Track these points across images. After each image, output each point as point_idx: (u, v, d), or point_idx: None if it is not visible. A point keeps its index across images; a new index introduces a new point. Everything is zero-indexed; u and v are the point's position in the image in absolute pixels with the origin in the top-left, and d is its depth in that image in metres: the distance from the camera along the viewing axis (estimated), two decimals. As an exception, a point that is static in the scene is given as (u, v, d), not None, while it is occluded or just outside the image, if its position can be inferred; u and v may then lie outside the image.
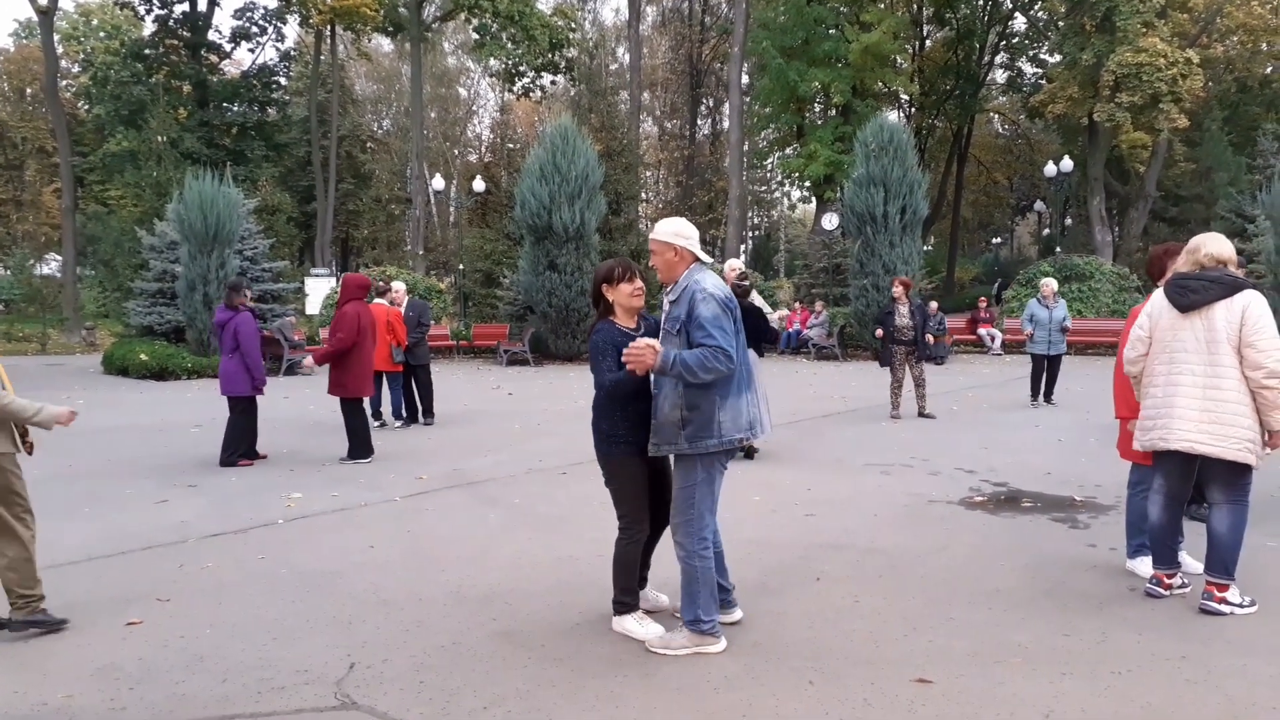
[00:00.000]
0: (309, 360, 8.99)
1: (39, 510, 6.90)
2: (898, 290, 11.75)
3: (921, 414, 11.65)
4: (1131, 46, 27.75)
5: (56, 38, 37.32)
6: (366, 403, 10.35)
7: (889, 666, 3.85)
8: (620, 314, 4.21)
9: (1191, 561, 4.94)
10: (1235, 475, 4.41)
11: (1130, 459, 5.08)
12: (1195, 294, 4.44)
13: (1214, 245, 4.50)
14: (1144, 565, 4.97)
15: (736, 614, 4.34)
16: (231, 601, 4.77)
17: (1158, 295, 4.69)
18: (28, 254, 31.76)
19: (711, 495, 4.02)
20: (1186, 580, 4.72)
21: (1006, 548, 5.67)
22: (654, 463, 4.19)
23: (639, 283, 4.16)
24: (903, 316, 11.58)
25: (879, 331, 11.75)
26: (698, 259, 4.02)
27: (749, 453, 8.75)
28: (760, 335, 8.22)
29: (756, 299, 9.00)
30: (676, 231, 4.04)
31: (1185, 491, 4.68)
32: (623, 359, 3.85)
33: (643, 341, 3.83)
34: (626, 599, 4.28)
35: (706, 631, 4.03)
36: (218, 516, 6.70)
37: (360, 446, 9.02)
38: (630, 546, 4.22)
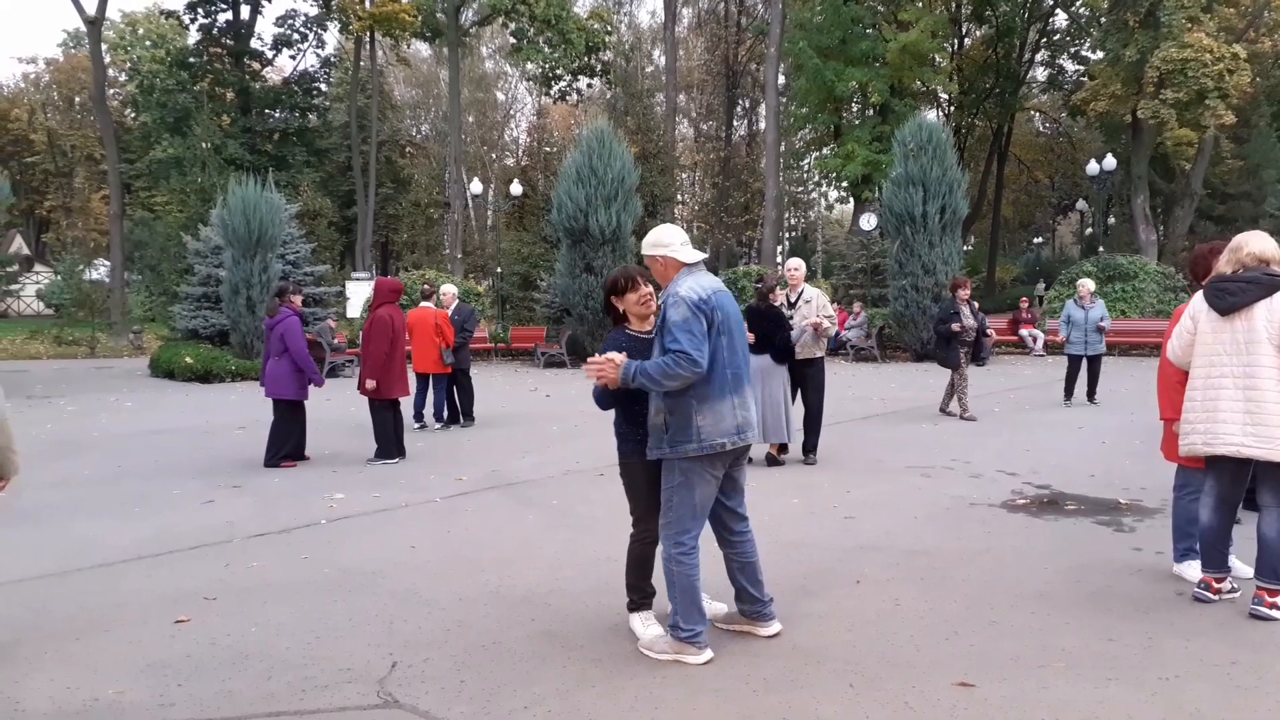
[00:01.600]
0: (370, 384, 9.04)
1: (91, 509, 7.08)
2: (965, 292, 11.80)
3: (943, 411, 11.84)
4: (1176, 42, 27.24)
5: (104, 47, 38.08)
6: (410, 404, 10.44)
7: (930, 670, 3.82)
8: (634, 320, 4.22)
9: (1241, 565, 4.85)
10: None
11: (1176, 461, 5.00)
12: (1234, 296, 4.37)
13: (1257, 244, 4.42)
14: (1191, 569, 4.89)
15: (773, 626, 4.22)
16: (276, 600, 4.85)
17: (1199, 297, 4.63)
18: (77, 259, 32.36)
19: (691, 501, 3.91)
20: (1236, 585, 4.63)
21: (1050, 551, 5.60)
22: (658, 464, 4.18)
23: (645, 289, 4.15)
24: (967, 317, 11.63)
25: (956, 326, 11.37)
26: (684, 263, 3.99)
27: (771, 460, 8.63)
28: (769, 340, 8.14)
29: (819, 299, 8.80)
30: (654, 242, 4.07)
31: (1237, 495, 4.60)
32: (585, 373, 3.91)
33: (603, 356, 3.90)
34: (633, 595, 4.28)
35: (685, 640, 3.94)
36: (262, 517, 6.81)
37: (387, 447, 9.08)
38: (639, 545, 4.22)
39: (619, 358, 3.88)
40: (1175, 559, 5.08)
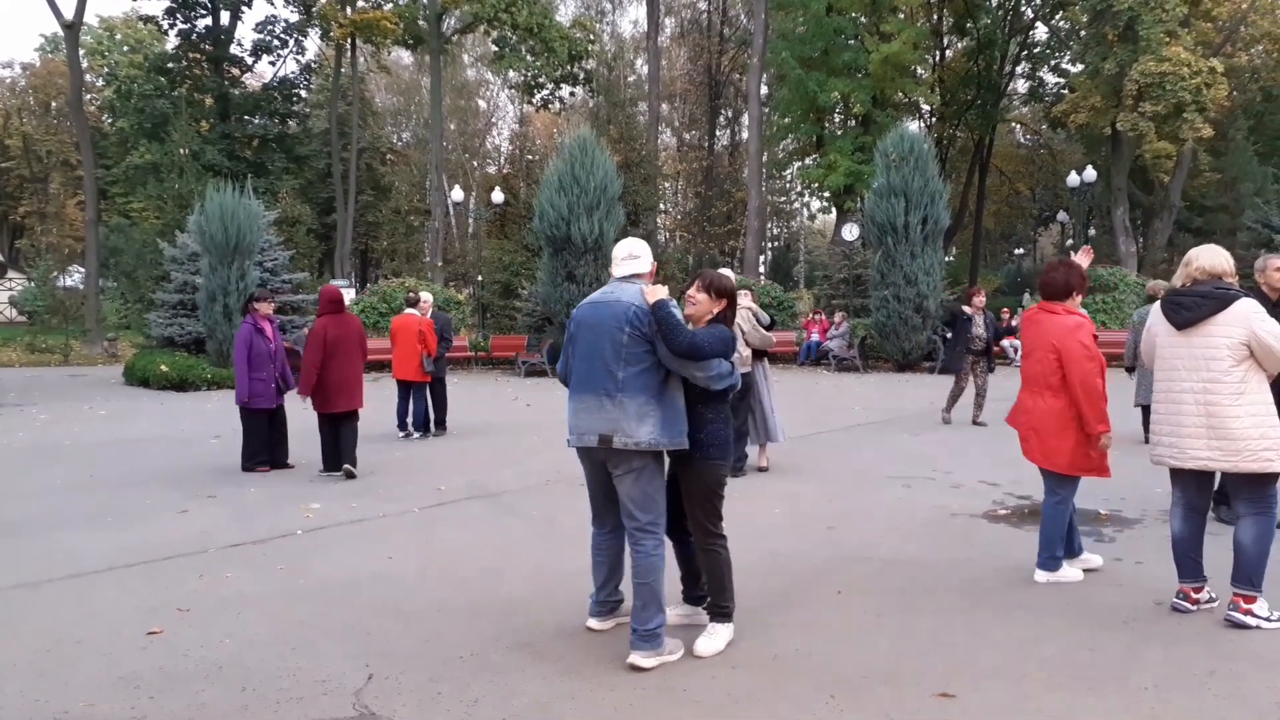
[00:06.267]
0: (305, 400, 8.80)
1: (63, 519, 6.97)
2: (979, 300, 11.98)
3: (975, 422, 11.82)
4: (1154, 56, 27.54)
5: (81, 52, 37.83)
6: (381, 413, 10.34)
7: (911, 680, 3.80)
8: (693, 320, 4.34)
9: (1092, 559, 5.22)
10: (1258, 485, 4.36)
11: (1050, 468, 5.14)
12: (1189, 310, 4.41)
13: (1205, 258, 4.46)
14: (1057, 575, 5.08)
15: (633, 657, 3.98)
16: (251, 612, 4.78)
17: (1155, 310, 4.68)
18: (51, 265, 32.04)
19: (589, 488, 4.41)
20: (1214, 594, 4.65)
21: (1030, 561, 5.58)
22: (671, 467, 4.27)
23: (691, 291, 4.27)
24: (978, 326, 11.78)
25: (968, 310, 11.81)
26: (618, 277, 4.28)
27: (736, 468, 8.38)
28: None
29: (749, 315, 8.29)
30: (629, 255, 4.30)
31: (1204, 502, 4.65)
32: None
33: None
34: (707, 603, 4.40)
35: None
36: (237, 527, 6.72)
37: (324, 458, 8.89)
38: (704, 555, 4.28)
39: None
40: (1038, 565, 5.16)
